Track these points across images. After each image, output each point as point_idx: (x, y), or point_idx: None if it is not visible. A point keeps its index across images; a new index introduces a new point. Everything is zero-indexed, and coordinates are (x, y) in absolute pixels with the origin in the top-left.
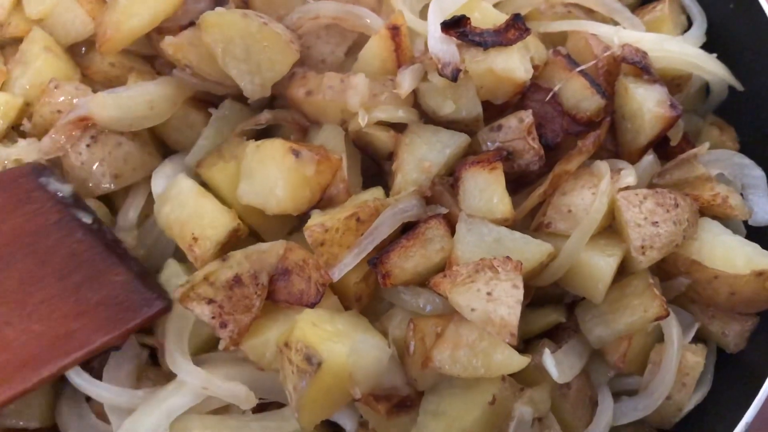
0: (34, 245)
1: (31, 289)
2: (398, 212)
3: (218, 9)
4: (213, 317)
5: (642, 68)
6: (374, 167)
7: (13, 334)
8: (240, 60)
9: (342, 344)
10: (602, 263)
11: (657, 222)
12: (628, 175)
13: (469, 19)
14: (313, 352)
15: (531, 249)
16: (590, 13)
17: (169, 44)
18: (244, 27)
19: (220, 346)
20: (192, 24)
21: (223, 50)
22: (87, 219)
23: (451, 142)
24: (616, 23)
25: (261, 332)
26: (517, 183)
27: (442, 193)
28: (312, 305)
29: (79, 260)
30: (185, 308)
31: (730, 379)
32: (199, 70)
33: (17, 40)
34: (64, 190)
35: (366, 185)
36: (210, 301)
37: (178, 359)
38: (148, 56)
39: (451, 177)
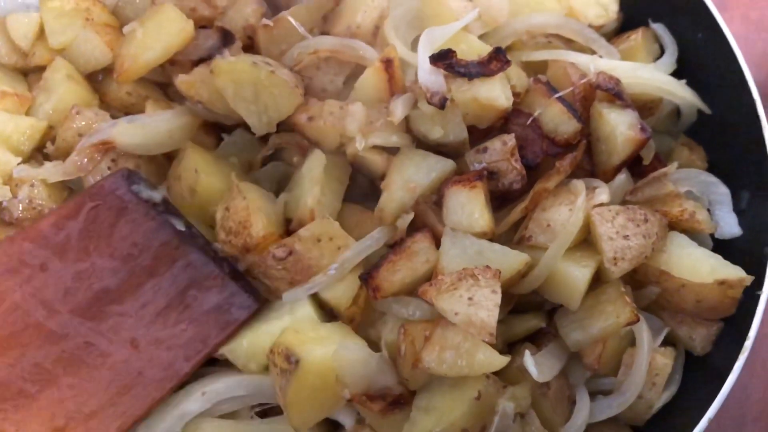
0: (139, 258)
1: (145, 300)
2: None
3: (230, 57)
4: None
5: (615, 94)
6: (370, 186)
7: (143, 345)
8: (249, 101)
9: (322, 346)
10: (578, 273)
11: (628, 236)
12: (602, 193)
13: (455, 52)
14: (291, 352)
15: (509, 259)
16: (569, 43)
17: (182, 82)
18: (254, 74)
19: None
20: (202, 60)
21: (233, 93)
22: (180, 226)
23: (438, 167)
24: (593, 52)
25: (237, 337)
26: (501, 200)
27: (426, 211)
28: None
29: (180, 267)
30: None
31: (697, 379)
32: (210, 105)
33: (41, 69)
34: (155, 196)
35: (361, 201)
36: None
37: None
38: (161, 83)
39: (435, 195)
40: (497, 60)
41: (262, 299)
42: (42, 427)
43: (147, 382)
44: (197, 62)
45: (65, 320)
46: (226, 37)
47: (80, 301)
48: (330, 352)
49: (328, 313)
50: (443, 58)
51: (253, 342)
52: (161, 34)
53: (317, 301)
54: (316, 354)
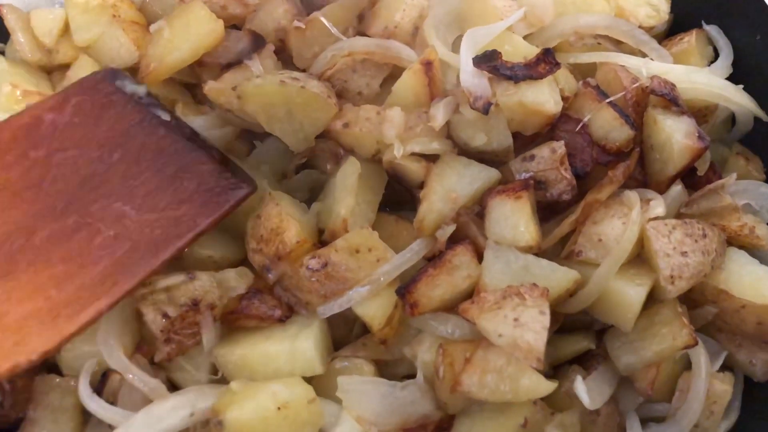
0: (126, 145)
1: (134, 184)
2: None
3: (256, 80)
4: (162, 330)
5: (670, 100)
6: (407, 193)
7: (132, 224)
8: (283, 121)
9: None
10: (632, 293)
11: (686, 252)
12: (658, 206)
13: (500, 53)
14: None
15: (558, 276)
16: (619, 45)
17: (210, 89)
18: (284, 93)
19: (156, 358)
20: (232, 65)
21: (266, 116)
22: (165, 116)
23: (481, 176)
24: (644, 55)
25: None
26: (548, 211)
27: (467, 223)
28: (284, 319)
29: (167, 154)
30: (139, 308)
31: (757, 407)
32: (240, 113)
33: (65, 67)
34: (139, 90)
35: (397, 210)
36: (164, 315)
37: (112, 349)
38: (189, 84)
39: (477, 206)
40: (546, 62)
41: (254, 185)
42: (33, 298)
43: (137, 257)
44: (226, 66)
45: (53, 202)
46: (257, 41)
47: (68, 186)
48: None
49: (341, 338)
50: (488, 60)
51: (246, 355)
52: (189, 34)
53: (334, 321)
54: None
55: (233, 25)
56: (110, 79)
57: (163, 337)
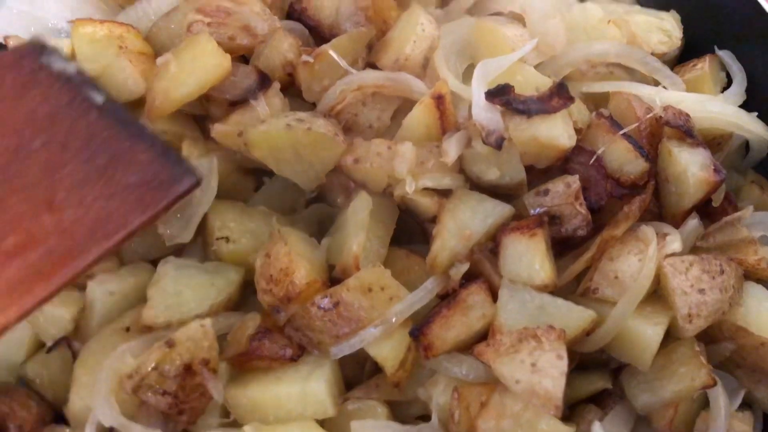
0: (50, 130)
1: (57, 176)
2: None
3: (261, 126)
4: (170, 407)
5: (685, 132)
6: (417, 226)
7: (49, 224)
8: (292, 163)
9: None
10: (649, 332)
11: (703, 289)
12: (674, 241)
13: (513, 87)
14: None
15: (574, 316)
16: (631, 72)
17: (217, 132)
18: (290, 137)
19: (178, 429)
20: (237, 104)
21: (274, 160)
22: (99, 98)
23: (495, 212)
24: (657, 82)
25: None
26: (563, 245)
27: (481, 260)
28: (295, 358)
29: (99, 142)
30: (139, 398)
31: None
32: (248, 153)
33: None
34: (69, 68)
35: (407, 243)
36: (164, 393)
37: (105, 408)
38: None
39: (491, 242)
40: (559, 96)
41: (197, 178)
42: None
43: (56, 261)
44: (233, 103)
45: None
46: (263, 80)
47: None
48: None
49: (353, 376)
50: (500, 94)
51: (257, 398)
52: (196, 68)
53: (345, 359)
54: None
55: (241, 56)
56: (35, 54)
57: (174, 412)
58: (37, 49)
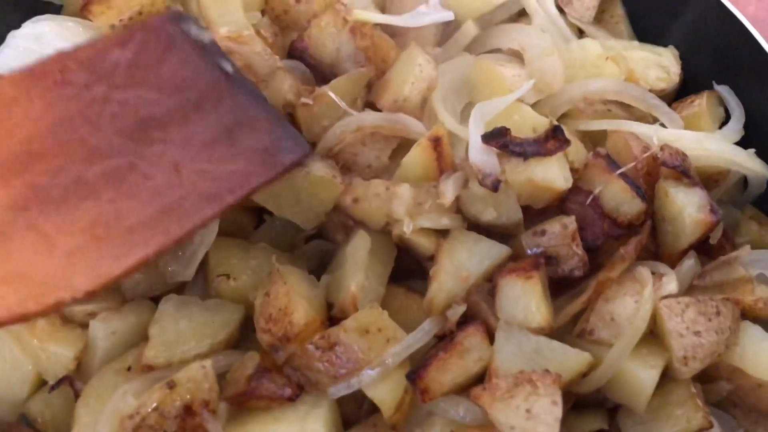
0: (186, 92)
1: (191, 132)
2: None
3: None
4: None
5: (682, 172)
6: (415, 263)
7: (185, 172)
8: (292, 205)
9: None
10: (644, 375)
11: (699, 332)
12: (670, 282)
13: (509, 130)
14: None
15: (569, 359)
16: (628, 108)
17: None
18: (289, 182)
19: None
20: None
21: (275, 202)
22: (228, 67)
23: (492, 254)
24: (655, 118)
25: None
26: (559, 285)
27: (478, 302)
28: (294, 398)
29: (226, 106)
30: None
31: None
32: None
33: None
34: (204, 36)
35: (407, 278)
36: None
37: None
38: None
39: (488, 283)
40: (555, 139)
41: (307, 149)
42: (82, 234)
43: (188, 206)
44: None
45: (110, 139)
46: None
47: (125, 125)
48: None
49: (351, 414)
50: (497, 137)
51: None
52: None
53: (343, 397)
54: None
55: None
56: (176, 21)
57: None
58: (178, 16)
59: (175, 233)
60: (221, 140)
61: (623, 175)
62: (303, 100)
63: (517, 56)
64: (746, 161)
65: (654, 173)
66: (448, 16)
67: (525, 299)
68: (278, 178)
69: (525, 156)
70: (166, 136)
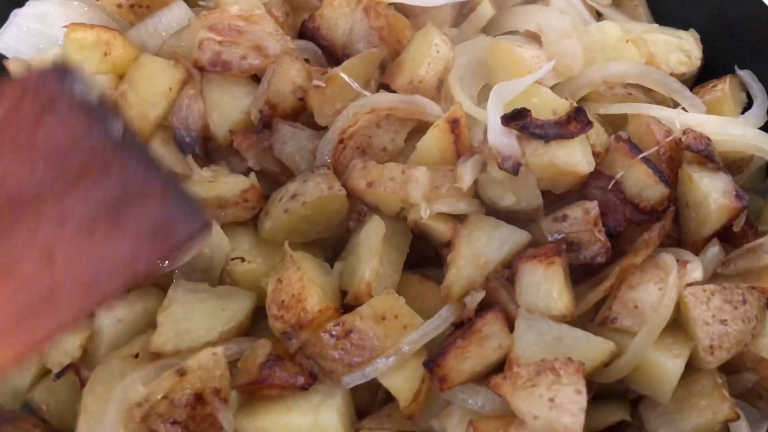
0: (66, 159)
1: (68, 208)
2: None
3: (266, 225)
4: None
5: (706, 156)
6: (431, 250)
7: (60, 258)
8: (312, 229)
9: None
10: (670, 365)
11: (725, 320)
12: (695, 269)
13: (530, 111)
14: None
15: (592, 348)
16: (649, 92)
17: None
18: (294, 218)
19: None
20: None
21: (300, 237)
22: (117, 129)
23: (511, 239)
24: (676, 103)
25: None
26: (581, 272)
27: (497, 289)
28: (306, 387)
29: (113, 176)
30: (148, 426)
31: None
32: None
33: None
34: (90, 95)
35: (422, 266)
36: (174, 422)
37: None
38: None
39: (507, 270)
40: (577, 120)
41: (208, 223)
42: None
43: (59, 302)
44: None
45: None
46: None
47: None
48: None
49: (365, 404)
50: (517, 119)
51: (267, 427)
52: (156, 87)
53: (357, 387)
54: None
55: (254, 75)
56: (59, 77)
57: None
58: (60, 72)
59: (44, 332)
60: (105, 216)
61: (646, 160)
62: (315, 82)
63: (533, 38)
64: None
65: (677, 158)
66: None
67: (546, 286)
68: (172, 257)
69: (546, 138)
70: (38, 215)
